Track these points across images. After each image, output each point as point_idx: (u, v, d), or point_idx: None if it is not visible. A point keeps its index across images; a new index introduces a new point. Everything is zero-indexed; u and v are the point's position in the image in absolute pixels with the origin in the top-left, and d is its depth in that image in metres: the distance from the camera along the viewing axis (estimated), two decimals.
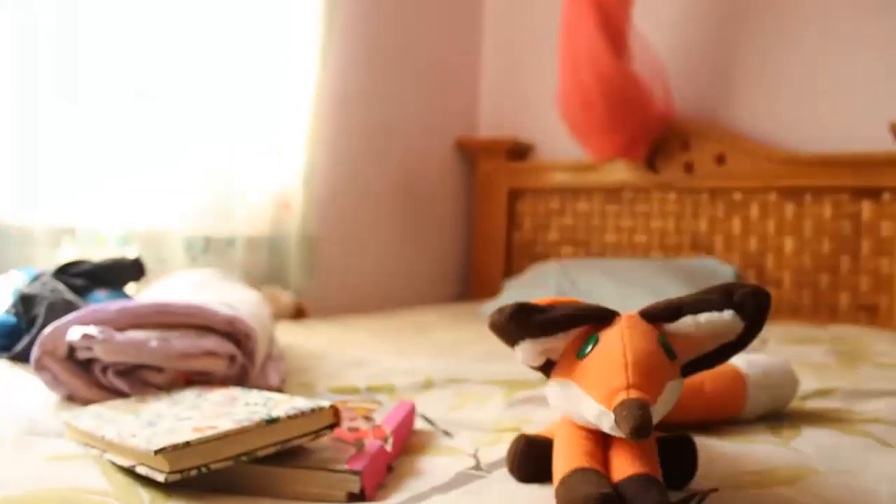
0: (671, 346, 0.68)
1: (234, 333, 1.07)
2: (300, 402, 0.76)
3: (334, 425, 0.76)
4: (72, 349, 0.96)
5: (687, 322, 0.68)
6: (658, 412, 0.63)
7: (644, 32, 2.61)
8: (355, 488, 0.68)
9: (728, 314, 0.66)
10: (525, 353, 0.71)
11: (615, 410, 0.61)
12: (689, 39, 2.80)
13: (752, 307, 0.66)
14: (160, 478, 0.62)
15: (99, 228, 1.78)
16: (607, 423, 0.63)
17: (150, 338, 0.97)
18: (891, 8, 2.51)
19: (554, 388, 0.72)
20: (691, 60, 2.79)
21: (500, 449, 0.87)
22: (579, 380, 0.66)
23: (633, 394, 0.61)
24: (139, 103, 1.82)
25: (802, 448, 0.88)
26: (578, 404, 0.66)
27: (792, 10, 2.66)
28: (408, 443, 0.89)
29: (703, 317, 0.67)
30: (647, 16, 2.62)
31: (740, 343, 0.69)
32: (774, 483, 0.75)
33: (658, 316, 0.70)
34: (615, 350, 0.65)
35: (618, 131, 2.59)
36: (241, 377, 1.08)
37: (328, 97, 2.36)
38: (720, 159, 2.66)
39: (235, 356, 1.04)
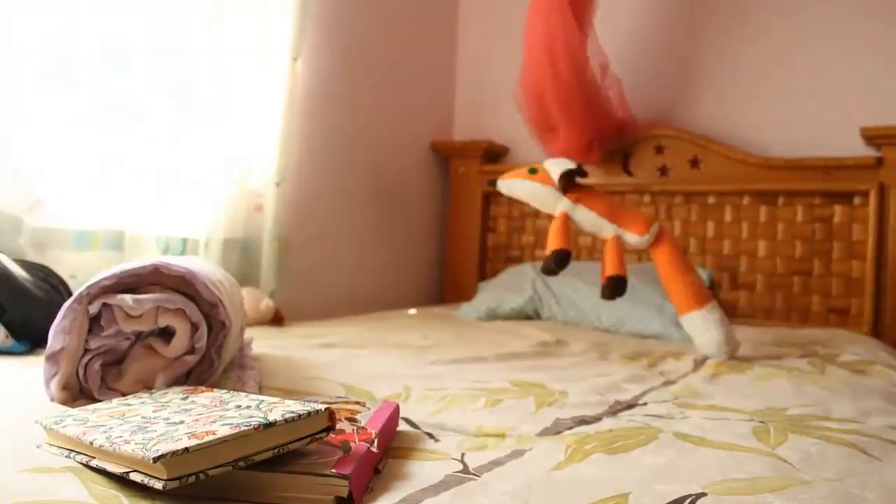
0: None
1: (211, 316, 1.08)
2: (295, 406, 0.74)
3: (330, 429, 0.74)
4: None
5: None
6: None
7: (616, 36, 2.63)
8: (343, 492, 0.66)
9: None
10: None
11: None
12: (663, 43, 2.82)
13: None
14: (158, 485, 0.60)
15: (72, 229, 1.74)
16: None
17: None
18: (862, 14, 2.56)
19: None
20: (665, 64, 2.81)
21: (487, 454, 0.86)
22: None
23: None
24: (110, 103, 1.78)
25: (788, 456, 0.88)
26: None
27: (768, 16, 2.70)
28: (393, 445, 0.87)
29: None
30: (621, 19, 2.64)
31: None
32: (761, 490, 0.75)
33: None
34: None
35: (581, 130, 2.60)
36: (206, 370, 1.08)
37: (301, 99, 2.33)
38: (694, 163, 2.68)
39: (199, 327, 1.05)
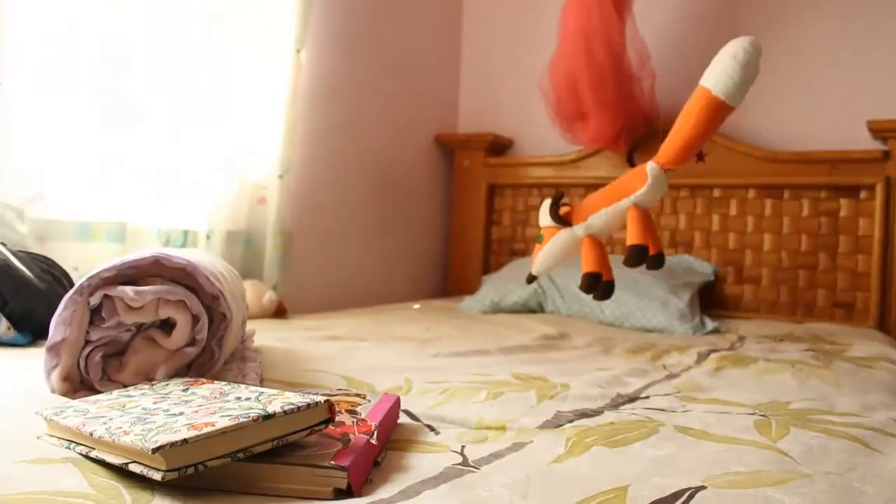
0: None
1: (212, 308, 1.08)
2: (294, 397, 0.74)
3: (329, 420, 0.74)
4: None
5: None
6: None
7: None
8: (342, 484, 0.66)
9: None
10: None
11: None
12: (668, 36, 2.81)
13: None
14: (157, 476, 0.60)
15: (75, 221, 1.74)
16: None
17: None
18: (868, 6, 2.54)
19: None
20: (670, 57, 2.79)
21: (487, 446, 0.86)
22: None
23: None
24: (110, 103, 1.79)
25: (789, 449, 0.88)
26: None
27: (772, 11, 2.68)
28: (393, 437, 0.87)
29: None
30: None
31: None
32: (761, 483, 0.75)
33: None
34: None
35: (614, 117, 2.58)
36: (207, 362, 1.08)
37: (305, 91, 2.33)
38: (699, 156, 2.66)
39: (200, 319, 1.05)
